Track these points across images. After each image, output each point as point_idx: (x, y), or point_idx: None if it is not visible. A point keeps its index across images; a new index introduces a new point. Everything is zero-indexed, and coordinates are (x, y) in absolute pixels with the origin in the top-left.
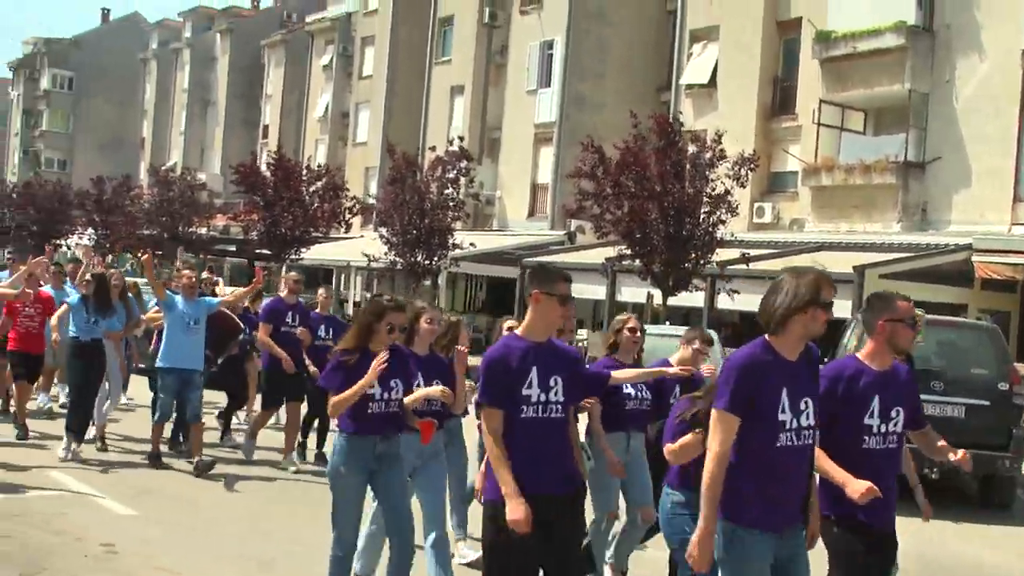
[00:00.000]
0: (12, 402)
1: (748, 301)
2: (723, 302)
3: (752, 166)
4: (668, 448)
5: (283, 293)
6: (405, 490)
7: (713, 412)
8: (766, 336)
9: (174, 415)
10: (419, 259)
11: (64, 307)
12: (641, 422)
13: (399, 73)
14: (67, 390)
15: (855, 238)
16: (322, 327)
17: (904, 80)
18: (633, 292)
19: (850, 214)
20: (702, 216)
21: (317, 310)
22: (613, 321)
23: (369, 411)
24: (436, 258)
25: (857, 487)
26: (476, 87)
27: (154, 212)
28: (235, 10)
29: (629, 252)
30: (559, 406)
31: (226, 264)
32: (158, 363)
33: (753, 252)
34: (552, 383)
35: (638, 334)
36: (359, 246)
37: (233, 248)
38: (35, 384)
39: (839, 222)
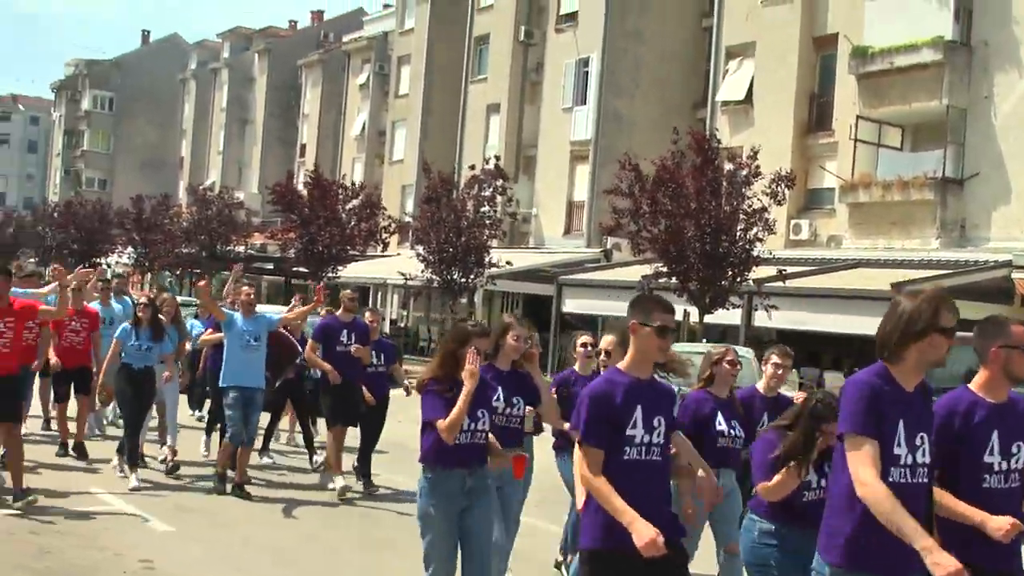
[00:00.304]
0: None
1: (785, 318)
2: (760, 319)
3: (789, 183)
4: (763, 486)
5: (338, 311)
6: (491, 529)
7: (846, 441)
8: (883, 362)
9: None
10: (455, 277)
11: (115, 343)
12: (734, 460)
13: (435, 91)
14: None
15: (893, 255)
16: (373, 353)
17: (942, 96)
18: None
19: (888, 231)
20: (739, 233)
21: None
22: (709, 352)
23: (456, 442)
24: (472, 276)
25: (998, 524)
26: (512, 105)
27: (192, 230)
28: (273, 30)
29: (665, 269)
30: (660, 448)
31: (263, 282)
32: (221, 382)
33: (790, 269)
34: (656, 423)
35: (738, 367)
36: (396, 264)
37: (270, 266)
38: (87, 402)
39: (877, 239)
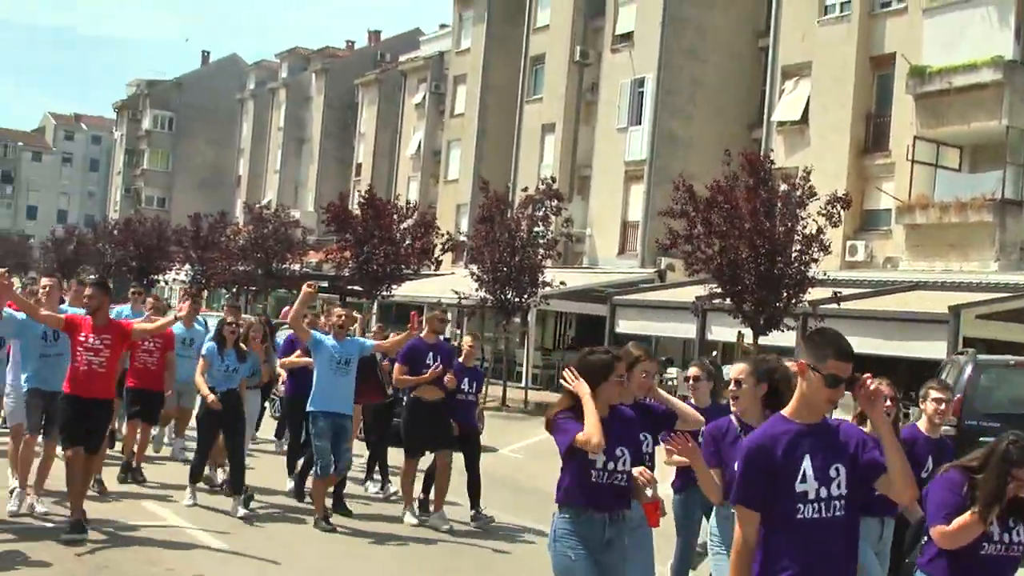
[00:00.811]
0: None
1: None
2: None
3: (844, 204)
4: (940, 530)
5: (423, 332)
6: None
7: None
8: None
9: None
10: (509, 296)
11: (202, 362)
12: (895, 505)
13: (490, 111)
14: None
15: (951, 277)
16: (466, 380)
17: (1001, 116)
18: (723, 331)
19: (945, 253)
20: (794, 255)
21: (460, 359)
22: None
23: (593, 480)
24: (526, 296)
25: None
26: (567, 125)
27: (249, 248)
28: (330, 50)
29: (720, 290)
30: (842, 501)
31: (318, 300)
32: (309, 406)
33: (846, 291)
34: (833, 473)
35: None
36: (450, 283)
37: (325, 284)
38: (155, 425)
39: (934, 261)
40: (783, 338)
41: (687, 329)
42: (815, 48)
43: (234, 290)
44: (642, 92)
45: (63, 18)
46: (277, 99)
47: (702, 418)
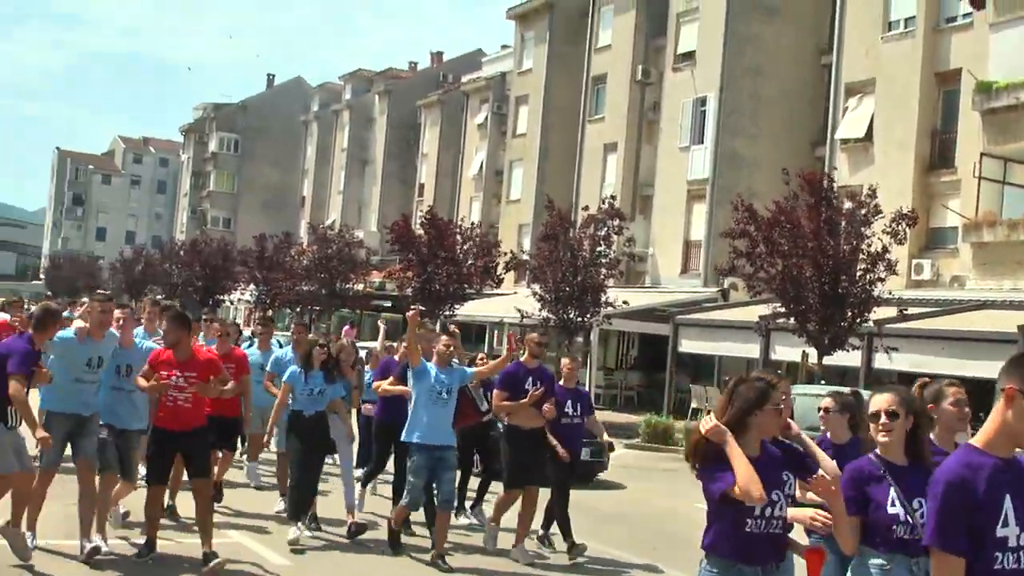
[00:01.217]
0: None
1: (907, 360)
2: (881, 361)
3: (910, 222)
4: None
5: (522, 356)
6: None
7: None
8: None
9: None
10: (572, 316)
11: (284, 387)
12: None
13: (552, 131)
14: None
15: (1020, 296)
16: (569, 402)
17: None
18: (788, 351)
19: (1014, 271)
20: (858, 273)
21: (561, 382)
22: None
23: (747, 529)
24: (588, 315)
25: None
26: (629, 144)
27: (313, 268)
28: (393, 72)
29: (783, 310)
30: None
31: (380, 320)
32: (404, 437)
33: (912, 310)
34: None
35: (966, 410)
36: (512, 302)
37: (388, 304)
38: (234, 451)
39: (1002, 279)
40: (848, 358)
41: (751, 349)
42: (879, 64)
43: (298, 310)
44: (704, 111)
45: (132, 44)
46: (341, 120)
47: (839, 471)
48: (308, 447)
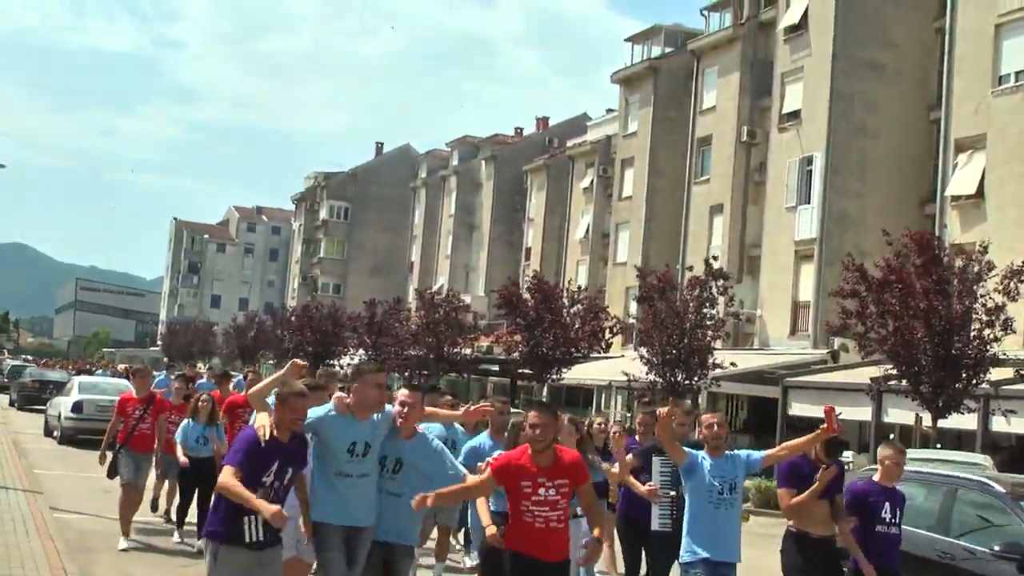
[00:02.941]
0: None
1: None
2: (998, 424)
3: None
4: None
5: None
6: None
7: None
8: None
9: None
10: (679, 378)
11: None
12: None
13: (658, 193)
14: None
15: None
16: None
17: None
18: (900, 414)
19: None
20: (972, 333)
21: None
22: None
23: None
24: (696, 377)
25: None
26: (735, 205)
27: (421, 333)
28: (500, 138)
29: (895, 372)
30: None
31: (488, 384)
32: (686, 556)
33: None
34: None
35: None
36: (619, 365)
37: (496, 368)
38: None
39: None
40: (963, 421)
41: (862, 412)
42: (990, 119)
43: (406, 374)
44: (811, 170)
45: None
46: (448, 186)
47: None
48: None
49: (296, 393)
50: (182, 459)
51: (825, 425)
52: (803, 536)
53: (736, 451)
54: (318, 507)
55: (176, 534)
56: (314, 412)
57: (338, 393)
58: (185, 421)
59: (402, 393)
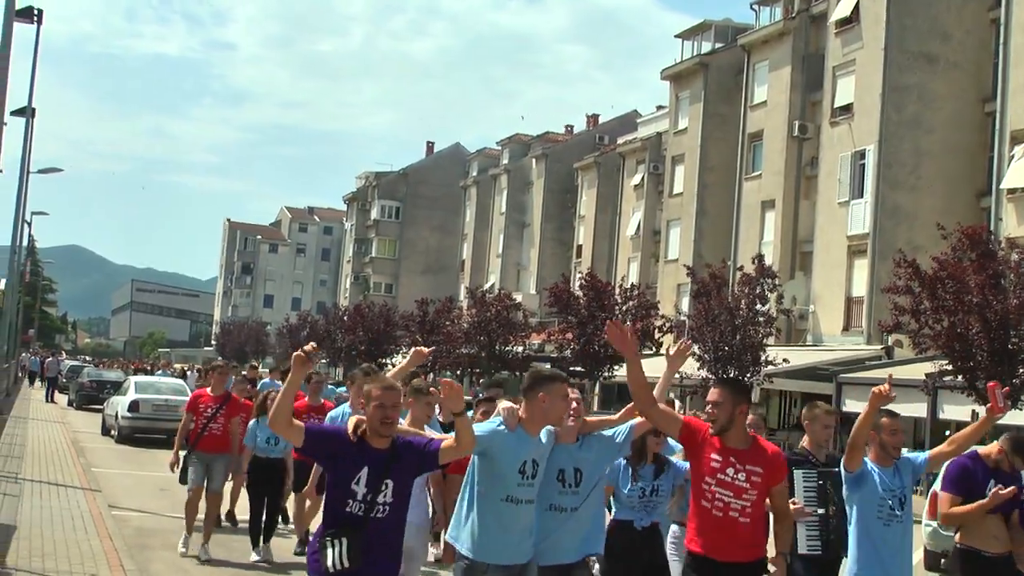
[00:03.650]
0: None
1: None
2: None
3: None
4: None
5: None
6: None
7: None
8: None
9: None
10: (732, 375)
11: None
12: None
13: (709, 189)
14: None
15: None
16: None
17: None
18: (956, 410)
19: None
20: None
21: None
22: None
23: None
24: (749, 374)
25: None
26: (787, 200)
27: (472, 332)
28: (550, 136)
29: (950, 367)
30: None
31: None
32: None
33: None
34: None
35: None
36: None
37: (548, 365)
38: None
39: None
40: (1020, 416)
41: (917, 408)
42: None
43: (458, 372)
44: (863, 164)
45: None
46: (499, 185)
47: None
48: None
49: (386, 386)
50: (243, 473)
51: (990, 404)
52: (974, 555)
53: (909, 457)
54: (475, 541)
55: (253, 553)
56: (481, 427)
57: (506, 403)
58: (252, 421)
59: (574, 393)
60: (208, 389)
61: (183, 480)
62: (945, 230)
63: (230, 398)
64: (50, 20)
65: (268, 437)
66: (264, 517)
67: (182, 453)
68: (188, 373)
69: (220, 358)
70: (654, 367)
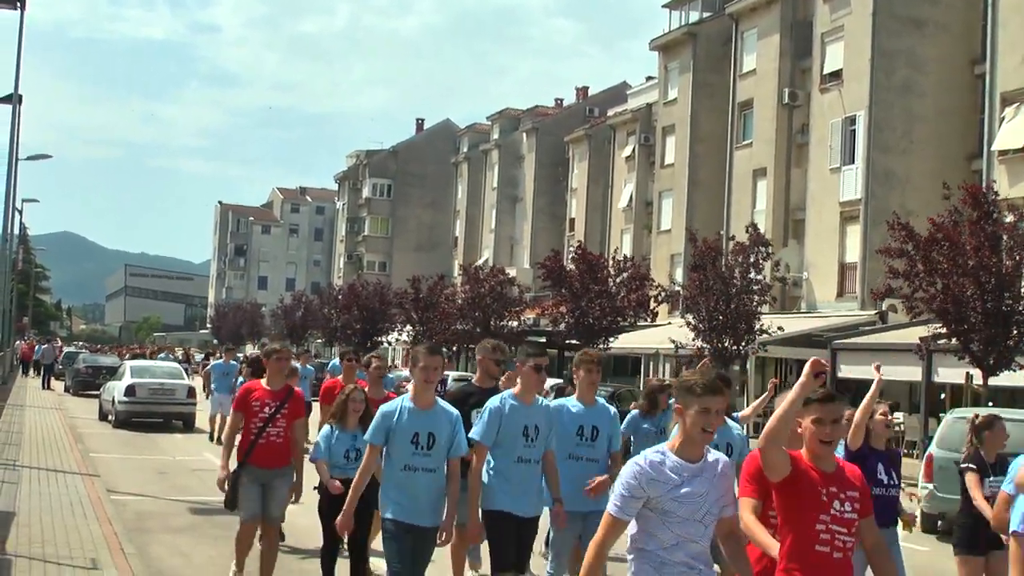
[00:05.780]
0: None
1: None
2: None
3: None
4: None
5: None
6: None
7: None
8: None
9: None
10: (726, 344)
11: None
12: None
13: (700, 159)
14: None
15: None
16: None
17: None
18: (951, 372)
19: None
20: (1023, 290)
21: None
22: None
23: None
24: (743, 343)
25: None
26: (778, 168)
27: (467, 308)
28: (540, 109)
29: (944, 331)
30: None
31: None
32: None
33: None
34: None
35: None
36: (666, 333)
37: (543, 340)
38: None
39: None
40: (1016, 378)
41: (912, 372)
42: None
43: (454, 348)
44: (854, 130)
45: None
46: (490, 160)
47: None
48: None
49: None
50: (333, 484)
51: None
52: None
53: None
54: (494, 497)
55: None
56: (494, 400)
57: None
58: (325, 427)
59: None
60: (263, 382)
61: (231, 504)
62: (949, 189)
63: (292, 393)
64: (33, 5)
65: (348, 449)
66: (349, 557)
67: (233, 466)
68: (196, 357)
69: (268, 342)
70: (647, 337)
